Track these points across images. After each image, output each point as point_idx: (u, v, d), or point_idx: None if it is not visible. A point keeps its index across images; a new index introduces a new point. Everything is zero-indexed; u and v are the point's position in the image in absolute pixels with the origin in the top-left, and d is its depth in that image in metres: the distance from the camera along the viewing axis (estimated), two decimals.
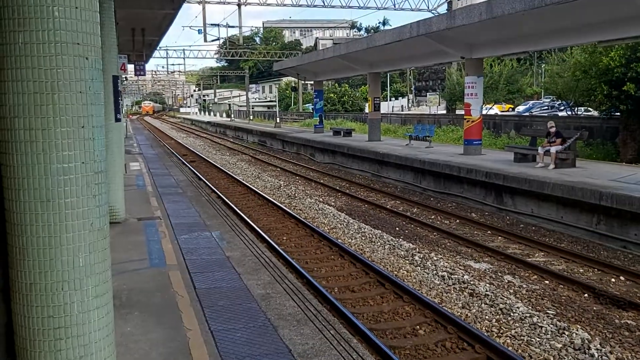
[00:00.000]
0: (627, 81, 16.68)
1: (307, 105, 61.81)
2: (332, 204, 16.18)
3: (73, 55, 2.50)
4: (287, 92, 68.25)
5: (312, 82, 38.70)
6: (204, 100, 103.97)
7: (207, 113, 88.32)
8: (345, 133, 29.15)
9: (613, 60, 16.95)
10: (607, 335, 6.97)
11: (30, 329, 2.58)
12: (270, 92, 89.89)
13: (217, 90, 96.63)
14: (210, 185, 18.17)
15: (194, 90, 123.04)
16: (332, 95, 53.12)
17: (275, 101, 57.82)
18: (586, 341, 6.50)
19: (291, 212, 14.05)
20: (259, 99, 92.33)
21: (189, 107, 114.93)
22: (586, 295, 8.48)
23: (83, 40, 2.51)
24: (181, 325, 5.09)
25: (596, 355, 6.19)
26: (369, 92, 27.15)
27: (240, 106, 79.94)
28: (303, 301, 5.62)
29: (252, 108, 68.30)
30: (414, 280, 9.21)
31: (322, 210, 14.88)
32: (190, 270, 6.96)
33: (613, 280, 9.20)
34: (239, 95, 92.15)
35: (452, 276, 9.09)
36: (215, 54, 74.33)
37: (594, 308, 7.92)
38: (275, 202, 15.58)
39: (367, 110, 46.97)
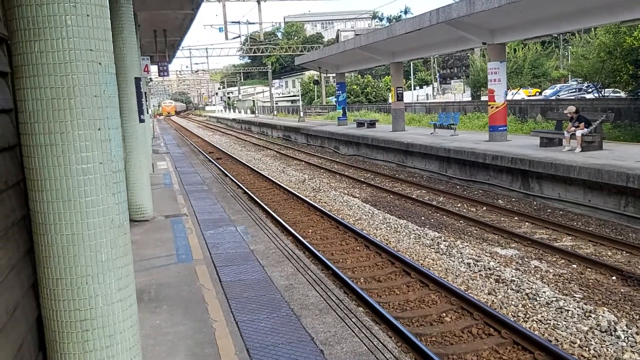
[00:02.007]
0: None
1: (330, 98, 61.79)
2: (357, 195, 16.23)
3: (87, 61, 2.63)
4: (310, 85, 68.32)
5: (334, 75, 38.70)
6: (229, 97, 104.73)
7: (232, 110, 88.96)
8: (369, 124, 29.12)
9: (637, 40, 16.60)
10: (634, 317, 6.92)
11: (58, 321, 2.73)
12: (294, 86, 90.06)
13: (241, 87, 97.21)
14: (235, 181, 18.40)
15: (219, 88, 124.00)
16: (355, 86, 53.01)
17: (299, 95, 57.95)
18: (612, 323, 6.47)
19: (316, 205, 14.15)
20: (283, 94, 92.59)
21: (214, 105, 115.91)
22: (614, 277, 8.40)
23: (96, 46, 2.64)
24: (207, 317, 5.24)
25: (622, 336, 6.16)
26: (392, 81, 27.06)
27: (264, 102, 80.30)
28: (325, 291, 5.72)
29: (276, 103, 68.60)
30: (440, 268, 9.23)
31: (347, 202, 14.94)
32: (216, 264, 7.12)
33: None
34: (263, 91, 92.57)
35: (478, 263, 9.09)
36: (238, 51, 74.76)
37: (622, 290, 7.84)
38: (300, 195, 15.70)
39: (390, 101, 46.83)
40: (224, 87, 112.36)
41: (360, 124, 30.02)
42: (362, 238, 10.95)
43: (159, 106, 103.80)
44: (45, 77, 2.57)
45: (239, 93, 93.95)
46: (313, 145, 32.50)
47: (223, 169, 21.61)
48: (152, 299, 5.83)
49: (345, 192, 16.78)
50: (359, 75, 57.21)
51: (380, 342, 4.40)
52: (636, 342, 6.00)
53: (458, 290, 7.81)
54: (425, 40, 21.92)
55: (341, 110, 33.68)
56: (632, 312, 7.05)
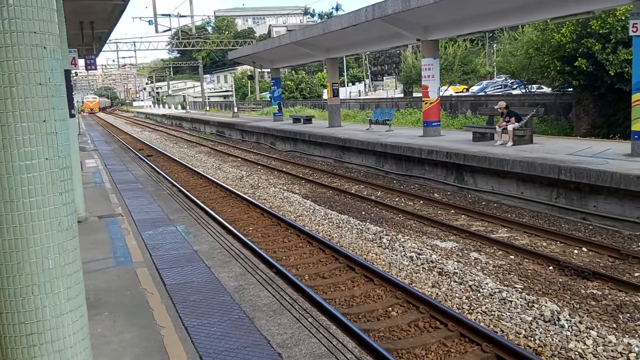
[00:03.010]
0: (578, 57, 17.06)
1: (264, 93, 61.35)
2: (297, 191, 16.11)
3: (30, 45, 2.34)
4: (244, 81, 67.55)
5: (268, 70, 38.36)
6: (158, 93, 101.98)
7: (161, 106, 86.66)
8: (305, 120, 29.05)
9: (564, 37, 17.28)
10: (575, 306, 7.15)
11: (1, 337, 2.44)
12: (226, 81, 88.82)
13: (171, 82, 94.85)
14: (170, 179, 17.84)
15: (147, 83, 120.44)
16: (289, 82, 52.82)
17: (232, 90, 57.14)
18: (555, 312, 6.65)
19: (256, 202, 13.93)
20: (215, 89, 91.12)
21: (142, 100, 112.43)
22: (551, 267, 8.69)
23: (40, 28, 2.35)
24: (154, 323, 4.96)
25: (566, 325, 6.34)
26: (327, 78, 27.08)
27: (195, 97, 78.78)
28: (278, 291, 5.55)
29: (208, 99, 67.34)
30: (384, 262, 9.25)
31: (287, 198, 14.80)
32: (158, 267, 6.79)
33: (576, 251, 9.45)
34: (194, 87, 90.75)
35: (421, 256, 9.17)
36: (167, 45, 72.88)
37: (560, 280, 8.11)
38: (238, 192, 15.41)
39: (325, 97, 46.93)
40: (152, 82, 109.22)
41: (296, 120, 29.90)
42: (304, 234, 10.84)
43: (82, 102, 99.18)
44: None
45: (169, 88, 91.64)
46: (248, 141, 32.10)
47: (156, 167, 20.92)
48: (92, 305, 5.44)
49: (285, 188, 16.62)
50: (293, 71, 57.06)
51: (340, 342, 4.29)
52: (580, 331, 6.19)
53: (403, 284, 7.83)
54: (361, 36, 22.04)
55: (277, 106, 33.44)
56: (573, 302, 7.29)
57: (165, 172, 19.80)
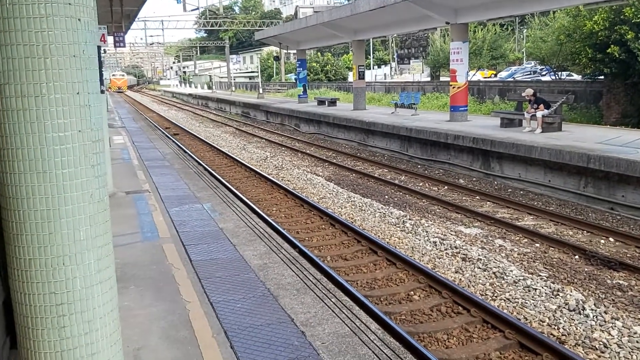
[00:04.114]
0: (611, 44, 16.64)
1: (289, 75, 61.21)
2: (320, 173, 16.11)
3: (65, 17, 2.34)
4: (269, 62, 67.43)
5: (294, 52, 38.22)
6: (184, 72, 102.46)
7: (187, 85, 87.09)
8: (330, 102, 28.93)
9: (597, 24, 16.86)
10: (600, 296, 7.05)
11: (31, 306, 2.48)
12: (252, 62, 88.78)
13: (197, 62, 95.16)
14: (195, 157, 17.97)
15: (173, 62, 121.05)
16: (314, 64, 52.58)
17: (258, 71, 57.14)
18: (580, 302, 6.57)
19: (279, 183, 13.97)
20: (240, 69, 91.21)
21: (169, 79, 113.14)
22: (577, 257, 8.57)
23: (75, 0, 2.36)
24: (179, 297, 5.02)
25: (591, 315, 6.26)
26: (354, 60, 26.88)
27: (221, 77, 78.93)
28: (302, 270, 5.57)
29: (234, 79, 67.46)
30: (406, 247, 9.22)
31: (310, 180, 14.81)
32: (185, 243, 6.86)
33: (602, 241, 9.29)
34: (220, 67, 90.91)
35: (444, 242, 9.11)
36: (194, 24, 73.04)
37: (586, 269, 8.00)
38: (262, 173, 15.47)
39: (350, 79, 46.67)
40: (179, 62, 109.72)
41: (321, 102, 29.79)
42: (327, 216, 10.85)
43: (108, 79, 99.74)
44: (18, 32, 2.28)
45: (195, 68, 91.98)
46: (273, 122, 32.12)
47: (182, 145, 21.08)
48: (119, 278, 5.50)
49: (308, 170, 16.62)
50: (319, 53, 56.78)
51: (363, 323, 4.29)
52: (605, 321, 6.11)
53: (425, 269, 7.80)
54: (389, 18, 21.77)
55: (302, 88, 33.34)
56: (598, 291, 7.19)
57: (191, 150, 19.96)
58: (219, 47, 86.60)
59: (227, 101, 44.74)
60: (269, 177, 14.93)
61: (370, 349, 3.87)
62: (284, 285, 5.17)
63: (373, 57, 64.90)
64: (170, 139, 23.13)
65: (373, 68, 61.88)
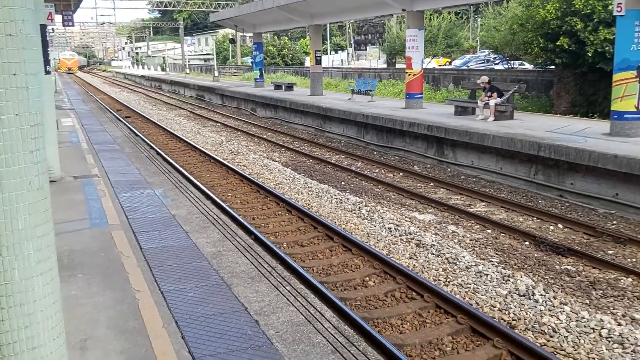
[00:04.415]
0: (561, 34, 17.03)
1: (245, 58, 60.48)
2: (277, 159, 16.00)
3: None
4: (225, 44, 66.41)
5: (250, 35, 37.69)
6: (137, 53, 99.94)
7: (140, 67, 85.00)
8: (287, 87, 28.72)
9: (549, 13, 17.20)
10: (549, 281, 7.24)
11: None
12: (207, 44, 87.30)
13: (150, 43, 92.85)
14: (148, 141, 17.55)
15: (126, 43, 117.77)
16: (271, 48, 52.07)
17: (213, 54, 56.18)
18: (530, 287, 6.72)
19: (235, 168, 13.81)
20: (195, 52, 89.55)
21: (120, 60, 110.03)
22: (527, 243, 8.77)
23: None
24: (129, 286, 4.87)
25: (540, 300, 6.41)
26: (311, 45, 26.69)
27: (175, 59, 77.41)
28: (256, 258, 5.49)
29: (188, 61, 66.17)
30: (362, 233, 9.26)
31: (267, 165, 14.69)
32: (135, 230, 6.67)
33: (552, 227, 9.54)
34: (174, 48, 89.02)
35: (399, 228, 9.19)
36: (147, 4, 71.12)
37: (535, 255, 8.20)
38: (217, 158, 15.26)
39: (307, 64, 46.40)
40: (131, 42, 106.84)
41: (277, 87, 29.54)
42: (283, 202, 10.79)
43: (57, 60, 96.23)
44: None
45: (148, 49, 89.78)
46: (229, 106, 31.70)
47: (134, 129, 20.55)
48: (65, 266, 5.34)
49: (265, 155, 16.49)
50: (276, 37, 56.22)
51: (318, 311, 4.26)
52: (554, 306, 6.27)
53: (380, 255, 7.85)
54: (346, 3, 21.68)
55: (258, 72, 32.96)
56: (547, 277, 7.38)
57: (143, 134, 19.48)
58: (173, 28, 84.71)
59: (181, 84, 43.89)
60: (225, 162, 14.74)
61: (324, 337, 3.84)
62: (238, 274, 5.08)
63: (330, 43, 64.74)
64: (121, 121, 22.54)
65: (330, 53, 61.76)
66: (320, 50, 26.52)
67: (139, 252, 5.83)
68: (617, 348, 5.50)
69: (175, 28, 76.80)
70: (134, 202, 8.14)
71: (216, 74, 42.75)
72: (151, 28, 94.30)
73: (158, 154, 15.01)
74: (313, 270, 7.67)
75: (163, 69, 68.51)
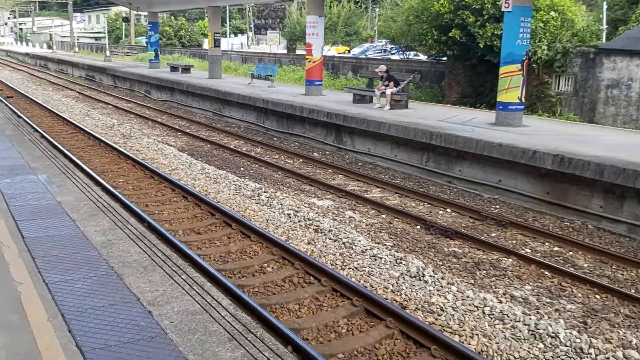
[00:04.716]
0: (453, 27, 17.79)
1: (140, 38, 58.03)
2: (172, 144, 15.56)
3: None
4: (118, 23, 63.28)
5: (146, 14, 36.19)
6: (21, 29, 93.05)
7: (24, 44, 79.18)
8: (184, 69, 27.92)
9: (443, 7, 17.91)
10: (438, 263, 7.62)
11: None
12: (98, 22, 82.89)
13: (36, 19, 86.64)
14: (32, 123, 16.40)
15: (8, 18, 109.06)
16: (167, 28, 50.19)
17: (105, 33, 53.37)
18: (421, 269, 7.04)
19: (127, 153, 13.28)
20: (85, 29, 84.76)
21: (2, 36, 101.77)
22: (418, 227, 9.17)
23: None
24: (10, 278, 4.53)
25: (430, 281, 6.73)
26: (210, 26, 26.10)
27: (64, 37, 72.87)
28: (150, 247, 5.30)
29: (77, 39, 62.43)
30: (261, 219, 9.24)
31: (162, 150, 14.26)
32: (16, 218, 6.21)
33: (441, 212, 10.04)
34: (62, 25, 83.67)
35: (298, 214, 9.27)
36: None
37: (426, 238, 8.59)
38: (108, 142, 14.59)
39: (205, 47, 45.29)
40: (15, 18, 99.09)
41: (174, 69, 28.62)
42: (179, 189, 10.53)
43: None
44: None
45: (34, 25, 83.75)
46: (121, 87, 30.32)
47: (16, 110, 19.11)
48: None
49: (160, 139, 15.97)
50: (172, 17, 54.35)
51: (214, 299, 4.20)
52: (442, 287, 6.61)
53: (279, 241, 7.89)
54: None
55: (153, 52, 31.76)
56: (436, 259, 7.76)
57: (26, 115, 18.17)
58: (61, 3, 79.52)
59: (69, 63, 41.37)
60: (116, 146, 14.14)
61: (221, 325, 3.79)
62: (129, 263, 4.88)
63: (230, 26, 63.63)
64: (2, 102, 20.89)
65: (229, 37, 60.73)
66: (219, 33, 26.01)
67: (21, 242, 5.44)
68: (498, 324, 5.90)
69: (64, 4, 72.25)
70: (15, 189, 7.57)
71: (108, 53, 40.70)
72: (37, 3, 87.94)
73: (43, 137, 14.07)
74: (210, 258, 7.57)
75: (50, 47, 64.22)
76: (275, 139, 16.89)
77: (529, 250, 8.27)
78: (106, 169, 12.14)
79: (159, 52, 32.52)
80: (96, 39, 71.82)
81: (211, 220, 9.02)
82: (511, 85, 12.48)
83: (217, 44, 25.51)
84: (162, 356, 3.41)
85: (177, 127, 18.24)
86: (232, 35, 64.33)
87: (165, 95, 25.18)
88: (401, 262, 7.33)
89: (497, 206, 10.42)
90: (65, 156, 11.75)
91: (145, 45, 40.83)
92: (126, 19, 48.94)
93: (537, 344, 5.57)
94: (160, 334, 3.66)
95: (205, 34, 51.50)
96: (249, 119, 19.00)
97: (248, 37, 66.42)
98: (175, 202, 9.98)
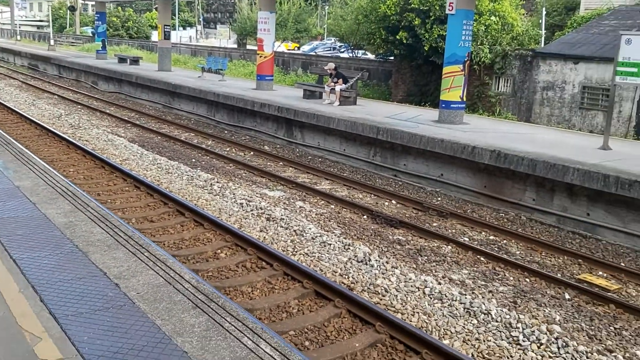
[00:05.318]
0: (401, 28, 18.45)
1: (85, 28, 56.60)
2: (122, 135, 15.54)
3: None
4: (62, 11, 61.43)
5: (93, 3, 35.43)
6: None
7: None
8: (132, 61, 27.59)
9: (389, 9, 18.53)
10: (383, 249, 8.12)
11: None
12: (40, 10, 79.99)
13: None
14: None
15: None
16: (115, 19, 49.23)
17: (49, 21, 51.75)
18: (367, 254, 7.50)
19: (77, 143, 13.23)
20: (27, 17, 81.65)
21: None
22: (365, 216, 9.65)
23: None
24: None
25: (375, 265, 7.21)
26: (159, 18, 25.92)
27: (4, 24, 70.09)
28: (112, 228, 5.53)
29: (19, 27, 60.24)
30: (214, 208, 9.51)
31: (112, 141, 14.25)
32: None
33: (386, 203, 10.56)
34: (1, 12, 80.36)
35: (250, 203, 9.59)
36: None
37: (372, 227, 9.08)
38: (57, 132, 14.45)
39: (154, 38, 44.75)
40: None
41: (122, 60, 28.24)
42: (131, 178, 10.64)
43: None
44: None
45: None
46: (67, 78, 29.66)
47: None
48: None
49: (109, 130, 15.91)
50: (119, 8, 53.25)
51: (177, 274, 4.50)
52: (387, 270, 7.09)
53: (232, 228, 8.18)
54: None
55: (100, 43, 31.19)
56: (382, 245, 8.26)
57: None
58: None
59: (10, 51, 40.01)
60: (65, 136, 14.02)
61: (185, 295, 4.11)
62: (93, 242, 5.11)
63: (178, 18, 62.82)
64: None
65: (178, 30, 60.00)
66: (169, 25, 25.87)
67: None
68: (437, 303, 6.42)
69: None
70: None
71: (52, 42, 39.59)
72: None
73: None
74: (164, 244, 7.77)
75: None
76: (226, 132, 17.09)
77: (467, 239, 8.88)
78: (56, 158, 12.09)
79: (106, 43, 31.96)
80: (39, 27, 69.44)
81: (164, 209, 9.21)
82: (454, 85, 13.16)
83: (167, 36, 25.37)
84: (132, 321, 3.70)
85: (126, 118, 18.15)
86: (181, 28, 63.54)
87: (114, 86, 24.87)
88: (349, 248, 7.77)
89: (439, 198, 11.04)
90: (12, 146, 11.62)
91: (92, 35, 40.02)
92: (72, 8, 47.70)
93: (472, 320, 6.11)
94: (129, 303, 3.94)
95: (152, 25, 50.82)
96: (199, 111, 19.09)
97: (197, 31, 65.74)
98: (128, 192, 10.10)
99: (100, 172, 11.24)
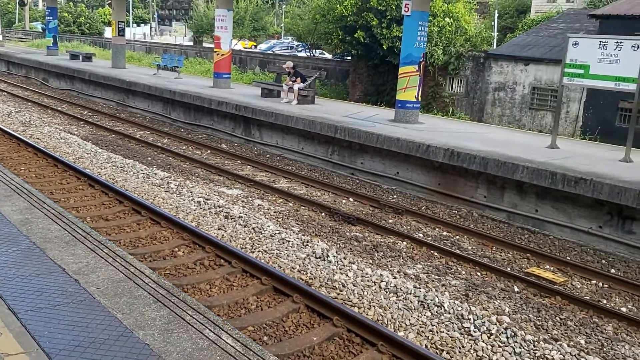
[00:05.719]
0: (358, 29, 18.69)
1: (35, 23, 54.90)
2: (75, 132, 15.23)
3: None
4: (11, 6, 59.44)
5: None
6: None
7: None
8: (85, 57, 26.99)
9: (346, 9, 18.76)
10: (341, 245, 8.27)
11: None
12: None
13: None
14: None
15: None
16: (66, 15, 47.98)
17: None
18: (325, 251, 7.63)
19: (28, 141, 12.90)
20: None
21: None
22: (323, 214, 9.79)
23: None
24: None
25: (333, 261, 7.34)
26: (113, 14, 25.42)
27: None
28: (69, 224, 5.48)
29: None
30: (171, 206, 9.45)
31: (65, 139, 13.95)
32: None
33: (344, 201, 10.73)
34: None
35: (208, 201, 9.58)
36: None
37: (330, 224, 9.22)
38: (6, 129, 14.04)
39: (107, 35, 43.79)
40: None
41: (74, 56, 27.58)
42: (85, 177, 10.47)
43: None
44: None
45: None
46: (16, 74, 28.78)
47: None
48: None
49: (61, 128, 15.56)
50: (71, 3, 51.92)
51: (137, 269, 4.51)
52: (344, 266, 7.23)
53: (190, 226, 8.17)
54: None
55: (52, 39, 30.36)
56: (339, 242, 8.41)
57: None
58: None
59: None
60: (15, 133, 13.65)
61: (145, 290, 4.13)
62: (51, 239, 5.06)
63: (132, 15, 61.66)
64: None
65: (132, 26, 58.89)
66: (123, 21, 25.42)
67: None
68: (392, 297, 6.59)
69: None
70: None
71: (0, 38, 38.30)
72: None
73: None
74: (120, 243, 7.70)
75: None
76: (182, 130, 16.96)
77: (421, 235, 9.12)
78: (5, 156, 11.76)
79: (57, 39, 31.14)
80: None
81: (120, 207, 9.10)
82: (409, 85, 13.45)
83: (121, 32, 24.92)
84: (92, 315, 3.71)
85: (79, 116, 17.78)
86: (135, 25, 62.39)
87: (65, 83, 24.29)
88: (307, 245, 7.88)
89: (395, 196, 11.28)
90: None
91: (42, 31, 38.90)
92: (22, 3, 46.27)
93: (425, 312, 6.32)
94: (89, 298, 3.95)
95: (105, 21, 49.75)
96: (155, 109, 18.87)
97: (151, 28, 64.69)
98: (82, 190, 9.93)
99: (53, 171, 11.01)
